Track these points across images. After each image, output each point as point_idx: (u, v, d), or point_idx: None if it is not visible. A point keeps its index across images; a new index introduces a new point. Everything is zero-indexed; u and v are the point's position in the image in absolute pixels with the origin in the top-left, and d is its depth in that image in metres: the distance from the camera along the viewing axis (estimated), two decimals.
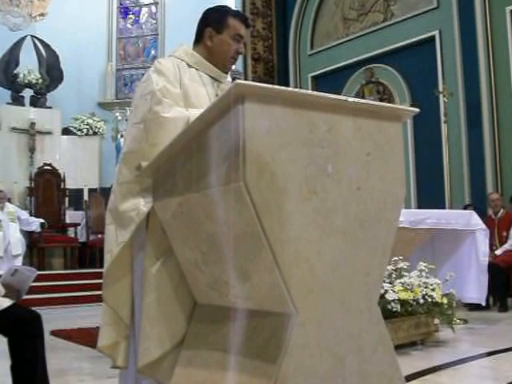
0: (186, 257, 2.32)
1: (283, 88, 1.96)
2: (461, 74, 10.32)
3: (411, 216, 6.18)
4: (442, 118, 10.00)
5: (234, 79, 2.72)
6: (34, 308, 3.32)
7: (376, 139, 2.20)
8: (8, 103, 14.07)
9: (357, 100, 2.17)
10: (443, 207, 9.49)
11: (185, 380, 2.28)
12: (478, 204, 9.49)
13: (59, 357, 5.39)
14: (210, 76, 2.81)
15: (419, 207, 10.27)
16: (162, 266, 2.45)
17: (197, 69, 2.78)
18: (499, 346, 5.47)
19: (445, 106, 9.91)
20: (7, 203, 11.22)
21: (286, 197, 1.92)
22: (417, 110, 2.37)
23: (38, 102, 14.37)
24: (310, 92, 2.06)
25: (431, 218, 6.39)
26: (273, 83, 11.79)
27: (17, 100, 14.17)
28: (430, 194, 10.59)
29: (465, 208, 9.16)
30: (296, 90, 2.03)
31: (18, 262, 10.51)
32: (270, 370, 1.93)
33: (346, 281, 2.11)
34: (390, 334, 2.30)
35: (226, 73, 2.85)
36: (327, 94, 2.06)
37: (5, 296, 3.20)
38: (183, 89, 2.66)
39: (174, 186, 2.23)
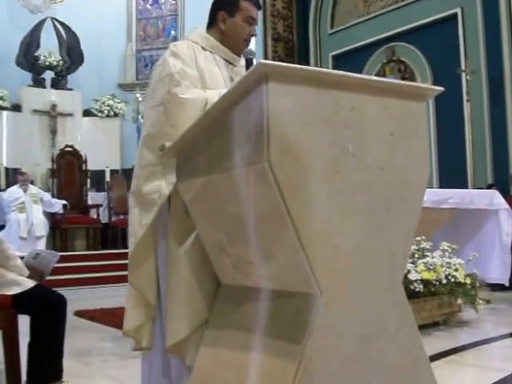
0: (210, 237, 2.32)
1: (307, 67, 1.95)
2: (483, 51, 10.19)
3: (434, 195, 6.14)
4: (465, 97, 9.92)
5: (247, 60, 2.75)
6: (56, 289, 3.36)
7: (400, 118, 2.18)
8: (29, 85, 14.20)
9: (381, 79, 2.15)
10: (466, 187, 9.42)
11: (209, 360, 2.29)
12: (501, 183, 9.41)
13: (83, 337, 5.44)
14: (225, 59, 2.83)
15: (441, 187, 10.18)
16: (186, 247, 2.47)
17: (211, 52, 2.80)
18: None
19: (467, 84, 9.83)
20: (30, 185, 11.35)
21: (310, 177, 1.91)
22: (441, 88, 2.34)
23: (58, 83, 14.47)
24: (333, 71, 2.04)
25: (454, 197, 6.34)
26: (293, 63, 11.73)
27: (38, 82, 14.27)
28: (452, 174, 10.50)
29: (488, 188, 9.08)
30: (320, 69, 2.01)
31: (42, 243, 10.64)
32: (294, 350, 1.93)
33: (370, 261, 2.10)
34: (413, 314, 2.29)
35: (240, 56, 2.86)
36: (351, 73, 2.04)
37: (28, 277, 3.23)
38: (199, 71, 2.68)
39: (198, 166, 2.23)
